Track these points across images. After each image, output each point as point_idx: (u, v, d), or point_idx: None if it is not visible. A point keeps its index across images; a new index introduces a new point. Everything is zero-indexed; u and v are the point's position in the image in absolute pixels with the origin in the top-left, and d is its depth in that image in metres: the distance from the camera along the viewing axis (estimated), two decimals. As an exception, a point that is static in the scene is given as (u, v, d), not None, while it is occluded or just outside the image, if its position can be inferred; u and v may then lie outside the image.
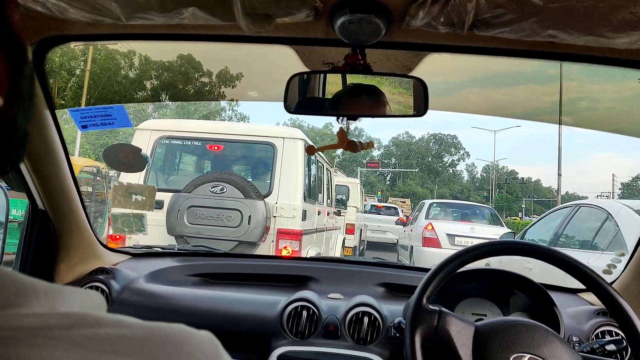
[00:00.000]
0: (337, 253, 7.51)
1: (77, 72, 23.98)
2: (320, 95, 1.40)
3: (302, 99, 1.32)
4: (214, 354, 0.41)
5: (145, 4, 1.00)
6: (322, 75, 1.37)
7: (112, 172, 12.00)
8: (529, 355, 1.07)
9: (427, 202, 11.08)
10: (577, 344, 1.40)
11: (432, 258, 8.05)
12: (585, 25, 0.96)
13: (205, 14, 1.02)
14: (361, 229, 12.31)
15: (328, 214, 6.77)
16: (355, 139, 1.32)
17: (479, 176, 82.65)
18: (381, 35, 1.07)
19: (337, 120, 1.24)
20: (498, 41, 1.08)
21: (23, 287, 0.39)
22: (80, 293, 0.44)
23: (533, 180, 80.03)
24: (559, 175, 22.36)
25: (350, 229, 10.13)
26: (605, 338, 1.40)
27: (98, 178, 10.97)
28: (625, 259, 1.94)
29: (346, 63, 1.17)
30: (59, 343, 0.35)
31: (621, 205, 4.10)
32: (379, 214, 17.47)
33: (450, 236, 8.87)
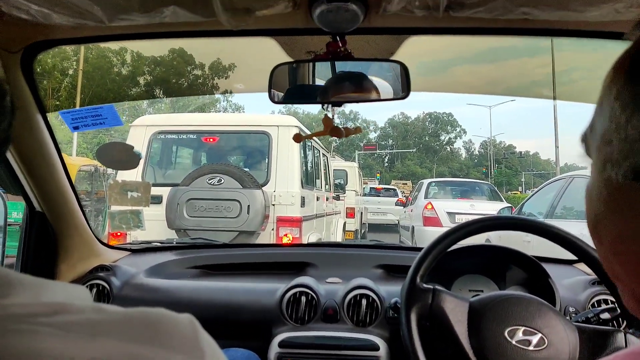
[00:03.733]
0: (338, 237, 7.53)
1: (70, 72, 23.82)
2: (311, 84, 1.41)
3: (288, 88, 1.34)
4: (193, 335, 0.43)
5: (126, 6, 1.02)
6: (310, 65, 1.38)
7: (110, 170, 12.00)
8: (523, 328, 1.10)
9: (426, 181, 11.09)
10: (573, 314, 1.41)
11: (434, 237, 8.00)
12: (555, 0, 0.97)
13: (185, 11, 1.03)
14: (361, 212, 12.35)
15: (327, 199, 6.78)
16: (344, 125, 1.33)
17: (477, 152, 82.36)
18: (359, 22, 1.08)
19: (323, 107, 1.26)
20: (474, 21, 1.09)
21: (9, 280, 0.41)
22: (65, 286, 0.46)
23: (531, 153, 79.70)
24: (557, 147, 22.34)
25: (350, 213, 10.17)
26: (600, 307, 1.42)
27: (96, 177, 10.98)
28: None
29: (328, 51, 1.18)
30: (42, 328, 0.37)
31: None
32: (379, 196, 17.56)
33: (451, 214, 8.87)
